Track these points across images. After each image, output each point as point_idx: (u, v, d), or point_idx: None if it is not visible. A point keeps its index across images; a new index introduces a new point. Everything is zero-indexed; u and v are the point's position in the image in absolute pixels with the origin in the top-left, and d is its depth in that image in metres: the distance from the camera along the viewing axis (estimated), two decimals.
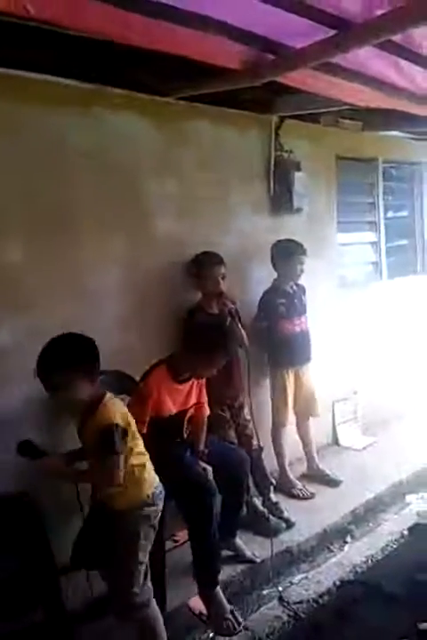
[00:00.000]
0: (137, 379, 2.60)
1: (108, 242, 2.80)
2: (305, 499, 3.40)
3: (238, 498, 2.75)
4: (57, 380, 1.92)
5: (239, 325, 3.03)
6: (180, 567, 2.60)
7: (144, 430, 2.35)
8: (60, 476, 2.09)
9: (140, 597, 2.06)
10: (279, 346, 3.40)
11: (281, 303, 3.38)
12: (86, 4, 1.65)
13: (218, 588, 2.46)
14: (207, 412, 2.72)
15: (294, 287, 3.50)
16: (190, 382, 2.57)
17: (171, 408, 2.49)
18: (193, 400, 2.62)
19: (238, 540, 2.84)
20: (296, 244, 3.40)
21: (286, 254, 3.39)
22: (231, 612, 2.43)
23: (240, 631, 2.40)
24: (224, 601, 2.45)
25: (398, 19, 1.88)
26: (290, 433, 3.61)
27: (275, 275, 3.48)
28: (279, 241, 3.44)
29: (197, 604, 2.49)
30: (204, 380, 2.66)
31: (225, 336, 2.60)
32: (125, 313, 2.88)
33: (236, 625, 2.40)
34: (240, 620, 2.43)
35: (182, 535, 2.79)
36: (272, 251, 3.44)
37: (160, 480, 2.16)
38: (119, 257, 2.86)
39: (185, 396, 2.57)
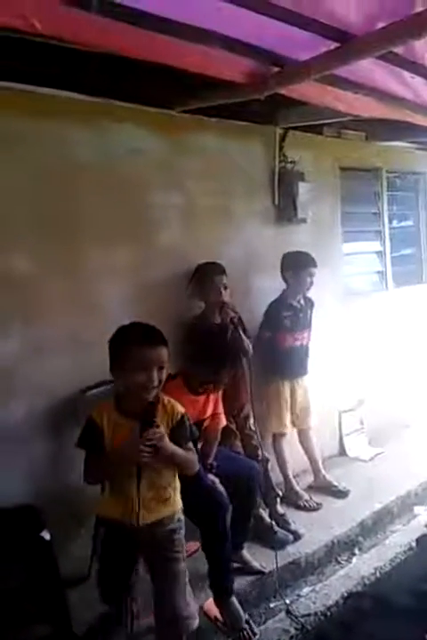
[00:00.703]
0: None
1: (114, 253, 2.82)
2: (312, 510, 3.38)
3: (248, 508, 2.74)
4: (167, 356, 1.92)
5: (243, 335, 3.04)
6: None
7: None
8: (172, 454, 1.92)
9: (193, 607, 2.07)
10: (278, 357, 3.40)
11: (286, 316, 3.38)
12: (91, 19, 1.67)
13: (233, 597, 2.47)
14: (223, 423, 2.72)
15: (302, 301, 3.49)
16: (207, 394, 2.58)
17: (190, 418, 2.51)
18: (210, 411, 2.63)
19: (245, 552, 2.82)
20: (306, 256, 3.40)
21: (296, 266, 3.38)
22: (247, 622, 2.45)
23: None
24: (240, 610, 2.47)
25: (399, 31, 1.89)
26: (295, 444, 3.60)
27: (284, 286, 3.47)
28: (290, 253, 3.44)
29: (211, 607, 2.50)
30: (220, 392, 2.67)
31: (226, 345, 2.61)
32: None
33: (251, 635, 2.41)
34: (256, 630, 2.44)
35: (190, 546, 2.77)
36: (282, 262, 3.44)
37: None
38: (124, 268, 2.88)
39: (202, 407, 2.58)
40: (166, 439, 1.89)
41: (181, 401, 2.40)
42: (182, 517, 2.07)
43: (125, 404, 1.95)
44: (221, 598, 2.47)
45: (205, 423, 2.62)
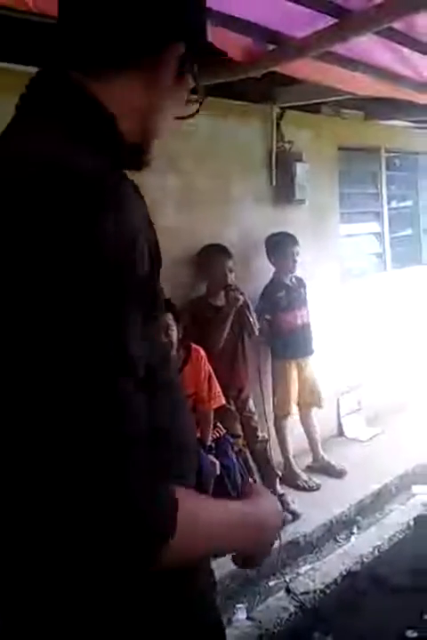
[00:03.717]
0: None
1: None
2: (311, 490, 3.40)
3: None
4: None
5: (249, 315, 3.04)
6: None
7: None
8: None
9: None
10: (281, 338, 3.42)
11: (281, 296, 3.41)
12: None
13: None
14: (217, 404, 2.73)
15: (294, 280, 3.51)
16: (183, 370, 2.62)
17: None
18: (186, 392, 2.63)
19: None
20: (286, 235, 3.42)
21: (278, 246, 3.42)
22: None
23: None
24: None
25: (399, 5, 1.86)
26: (295, 425, 3.62)
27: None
28: (271, 234, 3.46)
29: None
30: (208, 370, 2.69)
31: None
32: None
33: None
34: None
35: None
36: (266, 245, 3.47)
37: None
38: None
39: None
40: None
41: None
42: None
43: None
44: None
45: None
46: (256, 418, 3.18)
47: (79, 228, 0.57)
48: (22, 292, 0.57)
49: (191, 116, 0.79)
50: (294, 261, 3.43)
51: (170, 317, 2.37)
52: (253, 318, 3.06)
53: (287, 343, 3.42)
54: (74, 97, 0.67)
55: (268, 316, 3.37)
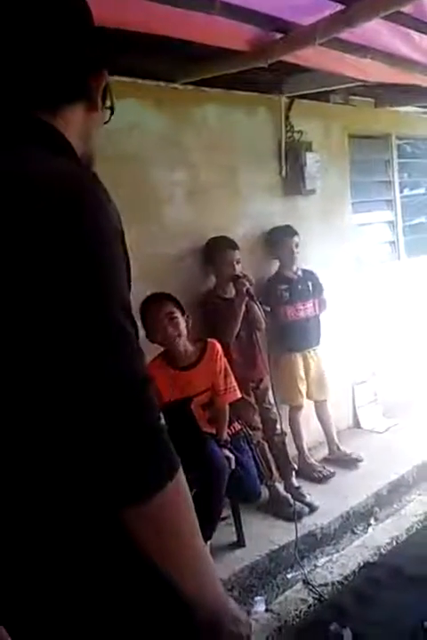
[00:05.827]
0: None
1: None
2: (326, 479, 3.38)
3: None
4: None
5: (257, 306, 3.03)
6: None
7: None
8: None
9: None
10: (283, 331, 3.41)
11: (283, 289, 3.39)
12: None
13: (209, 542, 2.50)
14: (232, 398, 2.72)
15: (299, 273, 3.48)
16: (194, 369, 2.62)
17: (170, 395, 2.56)
18: (202, 387, 2.65)
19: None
20: (283, 228, 3.42)
21: (276, 240, 3.42)
22: None
23: None
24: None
25: None
26: (310, 417, 3.60)
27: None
28: (270, 229, 3.46)
29: None
30: (223, 364, 2.68)
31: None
32: (139, 303, 2.88)
33: None
34: None
35: None
36: (266, 241, 3.47)
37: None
38: (130, 247, 2.85)
39: (186, 383, 2.61)
40: None
41: (160, 377, 2.52)
42: None
43: None
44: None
45: (199, 400, 2.65)
46: (274, 410, 3.17)
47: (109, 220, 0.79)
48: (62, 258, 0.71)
49: (106, 122, 0.94)
50: (293, 253, 3.41)
51: (172, 305, 2.56)
52: (259, 307, 3.04)
53: (291, 336, 3.41)
54: (42, 127, 0.79)
55: (267, 308, 3.36)
